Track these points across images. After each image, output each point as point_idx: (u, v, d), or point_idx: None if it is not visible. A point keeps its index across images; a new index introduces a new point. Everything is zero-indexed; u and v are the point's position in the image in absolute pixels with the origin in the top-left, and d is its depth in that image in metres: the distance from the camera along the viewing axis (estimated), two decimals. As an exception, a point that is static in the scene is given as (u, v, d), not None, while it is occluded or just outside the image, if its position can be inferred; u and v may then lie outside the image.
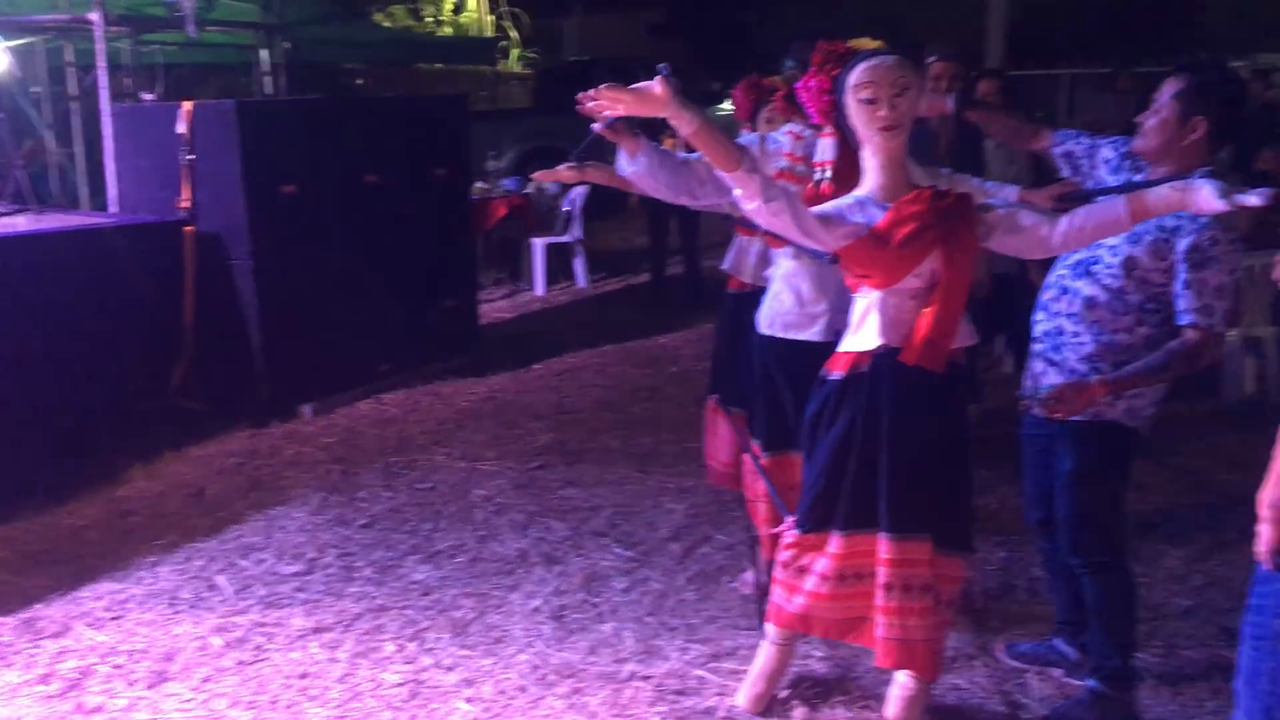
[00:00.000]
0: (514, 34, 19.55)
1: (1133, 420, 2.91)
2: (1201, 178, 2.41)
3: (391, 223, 6.21)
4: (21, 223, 5.69)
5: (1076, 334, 2.90)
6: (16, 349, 4.73)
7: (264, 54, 9.11)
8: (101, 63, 6.92)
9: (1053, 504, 3.06)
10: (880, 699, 3.07)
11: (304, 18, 10.02)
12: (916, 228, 2.61)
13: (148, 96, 8.03)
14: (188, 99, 5.86)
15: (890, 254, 2.62)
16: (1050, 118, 12.99)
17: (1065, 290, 2.95)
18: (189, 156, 5.53)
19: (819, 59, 2.81)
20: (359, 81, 15.69)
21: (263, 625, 3.64)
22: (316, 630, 3.61)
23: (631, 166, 3.06)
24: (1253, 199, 2.24)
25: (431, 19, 18.44)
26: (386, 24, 16.72)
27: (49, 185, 8.82)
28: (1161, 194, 2.46)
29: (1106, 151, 3.05)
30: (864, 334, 2.76)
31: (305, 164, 5.66)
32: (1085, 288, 2.89)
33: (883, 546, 2.77)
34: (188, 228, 5.58)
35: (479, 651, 3.47)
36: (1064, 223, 2.62)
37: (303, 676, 3.34)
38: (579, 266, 9.33)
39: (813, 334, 3.31)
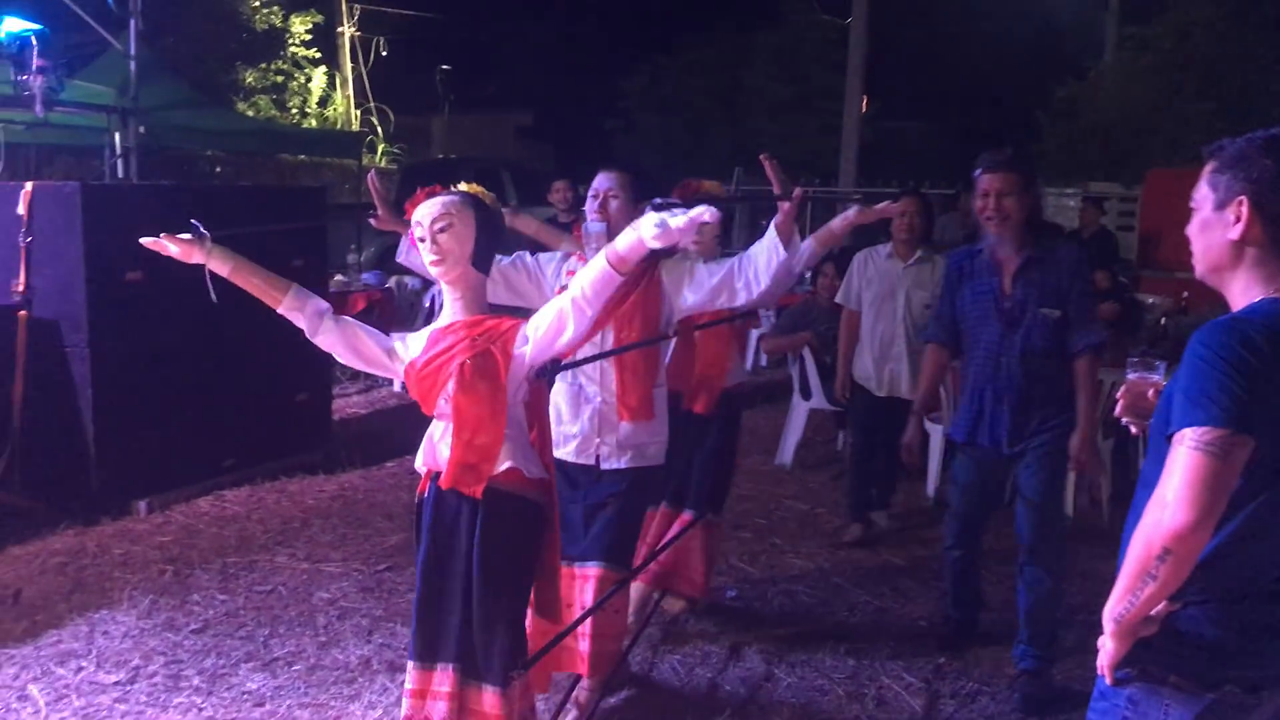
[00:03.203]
0: (379, 129, 19.56)
1: None
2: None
3: (243, 313, 5.99)
4: None
5: None
6: None
7: (117, 137, 8.86)
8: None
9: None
10: None
11: (161, 103, 9.81)
12: (435, 356, 2.68)
13: (-13, 175, 7.71)
14: (32, 180, 5.63)
15: (413, 381, 2.71)
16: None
17: None
18: (27, 239, 5.30)
19: None
20: (218, 170, 15.43)
21: (76, 740, 3.39)
22: (136, 745, 3.37)
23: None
24: (685, 220, 2.37)
25: (297, 111, 18.34)
26: (250, 113, 16.55)
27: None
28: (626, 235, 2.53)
29: None
30: (419, 457, 2.81)
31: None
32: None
33: (410, 676, 2.77)
34: (21, 313, 5.31)
35: (313, 767, 3.29)
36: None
37: (117, 796, 3.10)
38: (438, 363, 9.20)
39: (566, 453, 3.40)
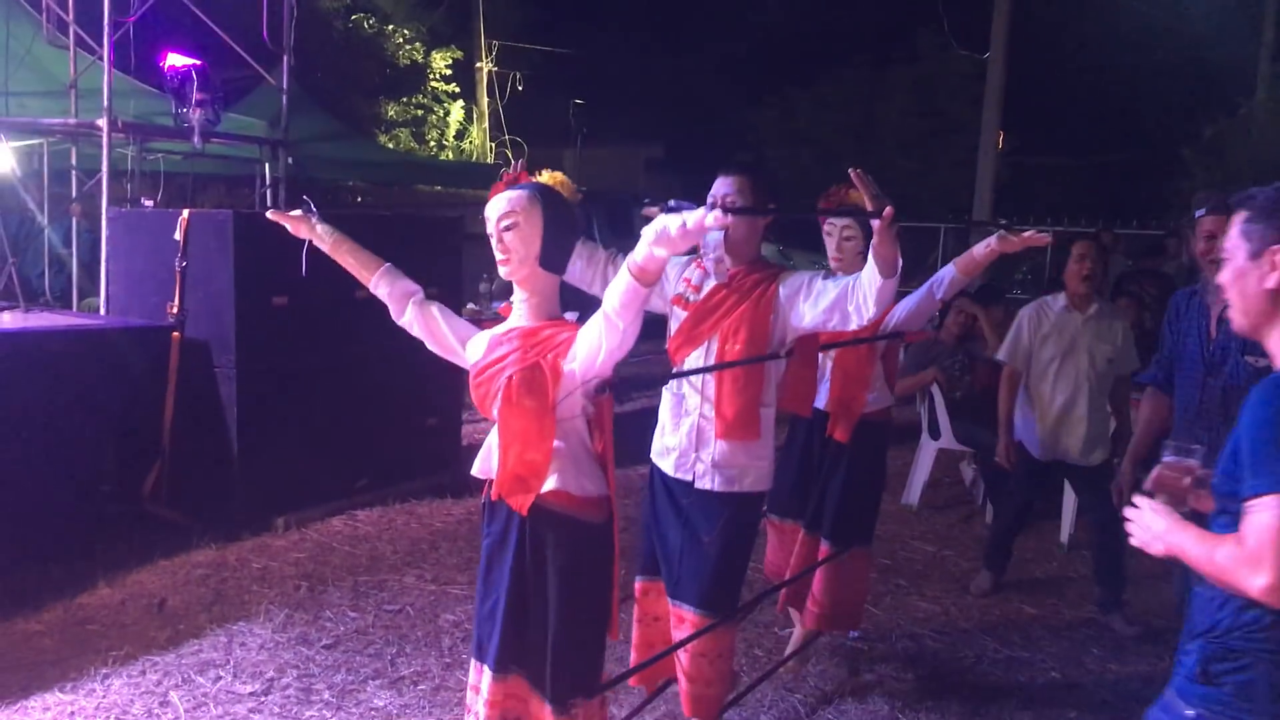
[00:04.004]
0: (513, 161, 20.00)
1: None
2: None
3: (379, 338, 6.19)
4: (6, 320, 5.69)
5: None
6: (-11, 446, 4.67)
7: (267, 168, 9.26)
8: (105, 167, 7.02)
9: None
10: None
11: (309, 135, 10.22)
12: (491, 364, 2.60)
13: (147, 203, 8.13)
14: (188, 207, 5.92)
15: (471, 385, 2.66)
16: (1037, 270, 13.22)
17: None
18: (182, 263, 5.58)
19: None
20: (359, 199, 15.99)
21: (213, 747, 3.51)
22: (269, 755, 3.47)
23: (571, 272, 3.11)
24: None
25: (435, 143, 18.90)
26: (390, 145, 17.12)
27: (45, 284, 8.88)
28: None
29: None
30: (477, 463, 2.77)
31: (298, 276, 5.64)
32: None
33: (470, 670, 2.77)
34: (175, 333, 5.59)
35: (436, 786, 3.34)
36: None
37: (250, 804, 3.20)
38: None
39: (667, 466, 3.30)
